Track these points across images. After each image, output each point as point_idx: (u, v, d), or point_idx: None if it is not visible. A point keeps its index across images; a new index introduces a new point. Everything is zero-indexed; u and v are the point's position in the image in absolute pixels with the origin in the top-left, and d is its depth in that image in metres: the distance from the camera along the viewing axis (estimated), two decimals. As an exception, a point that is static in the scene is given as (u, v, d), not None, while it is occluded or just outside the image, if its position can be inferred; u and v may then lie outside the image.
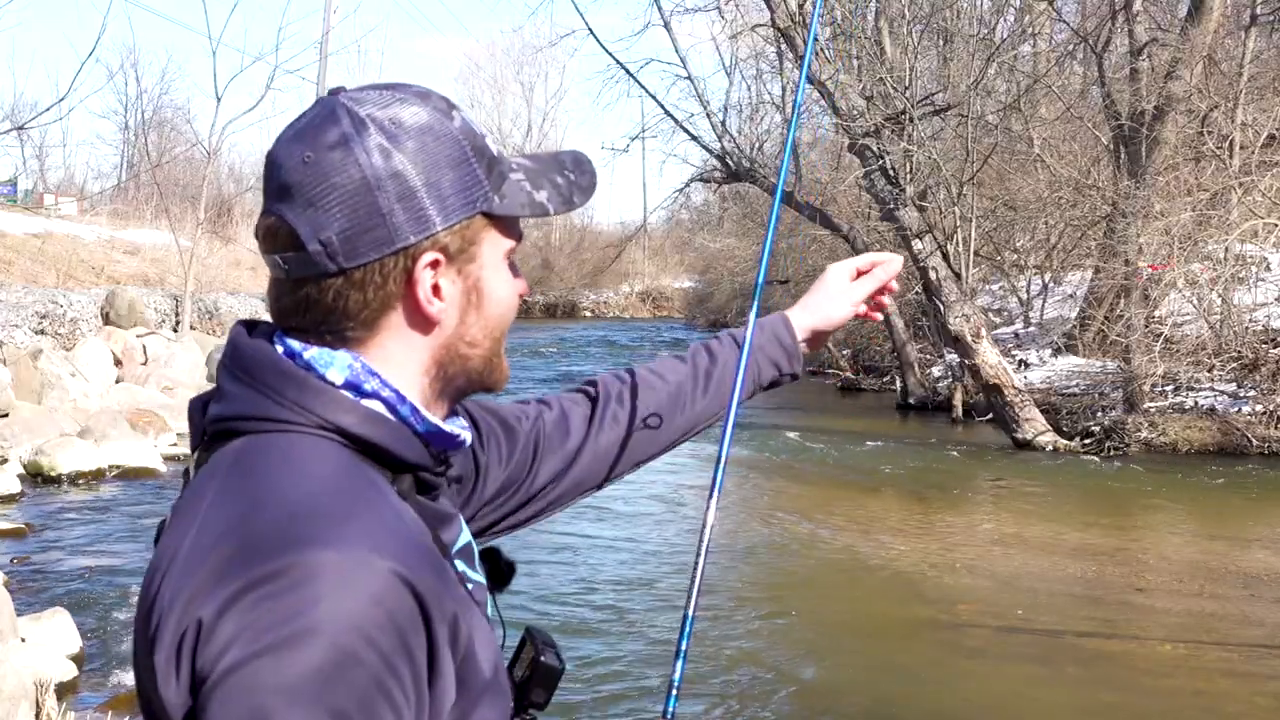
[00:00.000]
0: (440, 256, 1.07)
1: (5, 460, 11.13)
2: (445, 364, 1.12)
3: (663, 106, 19.48)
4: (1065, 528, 10.69)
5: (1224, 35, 18.38)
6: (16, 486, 10.54)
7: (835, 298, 1.68)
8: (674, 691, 1.38)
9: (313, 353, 1.06)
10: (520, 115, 63.17)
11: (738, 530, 10.12)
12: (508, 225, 1.14)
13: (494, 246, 1.12)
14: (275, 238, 1.04)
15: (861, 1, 18.19)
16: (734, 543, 9.69)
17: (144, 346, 16.44)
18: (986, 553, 9.66)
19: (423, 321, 1.09)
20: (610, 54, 21.87)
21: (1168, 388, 15.72)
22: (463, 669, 1.02)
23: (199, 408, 1.10)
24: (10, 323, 13.98)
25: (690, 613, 1.43)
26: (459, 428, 1.15)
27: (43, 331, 14.63)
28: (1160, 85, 17.13)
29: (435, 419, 1.11)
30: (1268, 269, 17.49)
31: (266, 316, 1.13)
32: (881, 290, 1.69)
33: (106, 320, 16.62)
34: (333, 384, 1.05)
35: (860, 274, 1.69)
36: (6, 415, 11.98)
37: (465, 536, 1.14)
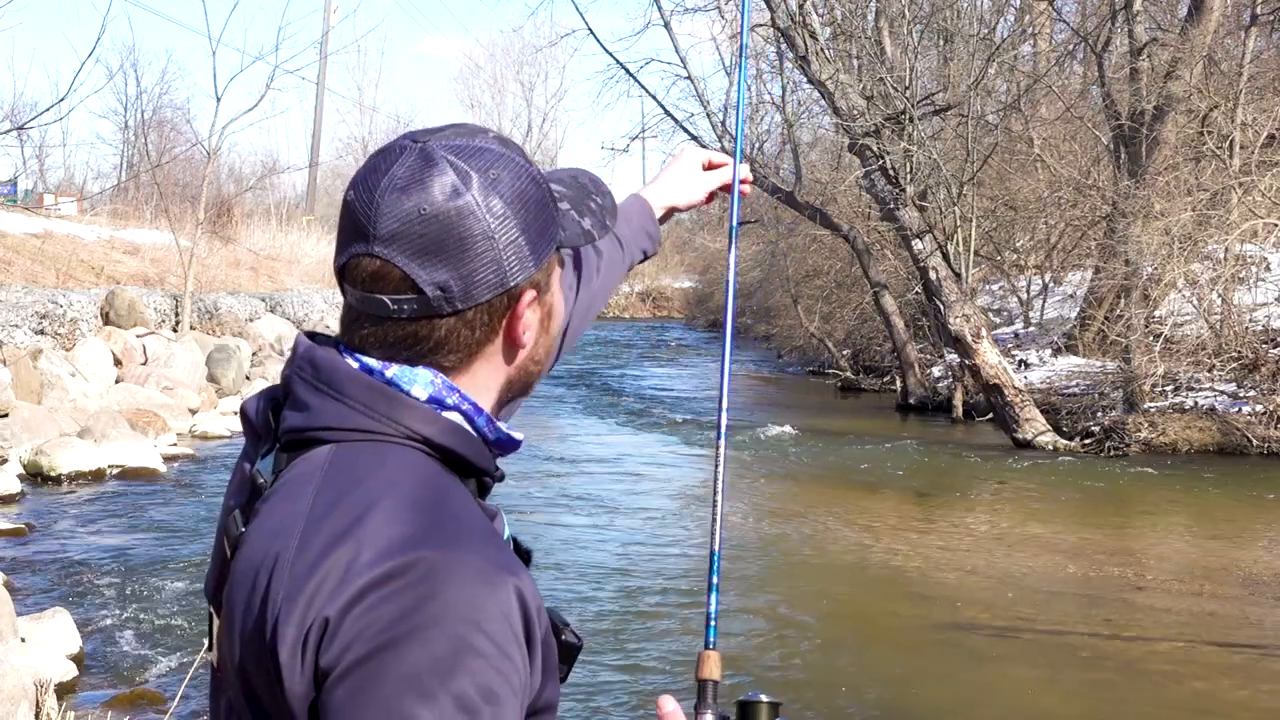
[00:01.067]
0: (535, 292, 1.18)
1: (5, 460, 11.13)
2: (515, 381, 1.23)
3: (663, 106, 19.49)
4: (1065, 528, 10.70)
5: (1224, 35, 18.40)
6: (16, 486, 10.55)
7: (693, 183, 1.86)
8: (712, 623, 1.53)
9: (394, 370, 1.14)
10: (520, 115, 63.19)
11: (736, 529, 10.12)
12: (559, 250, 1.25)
13: (556, 273, 1.24)
14: (385, 281, 1.12)
15: (861, 1, 18.19)
16: (733, 542, 9.69)
17: (144, 346, 16.45)
18: (986, 552, 9.66)
19: (511, 349, 1.19)
20: (610, 54, 21.83)
21: (1168, 388, 15.73)
22: (545, 655, 1.10)
23: (264, 410, 1.19)
24: (10, 323, 13.98)
25: (716, 549, 1.59)
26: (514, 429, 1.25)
27: (43, 331, 14.64)
28: (1160, 85, 17.14)
29: (504, 426, 1.21)
30: (1268, 269, 17.50)
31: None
32: (724, 187, 1.86)
33: (106, 320, 16.62)
34: (418, 399, 1.14)
35: (711, 167, 1.87)
36: (6, 415, 11.98)
37: (508, 531, 1.22)
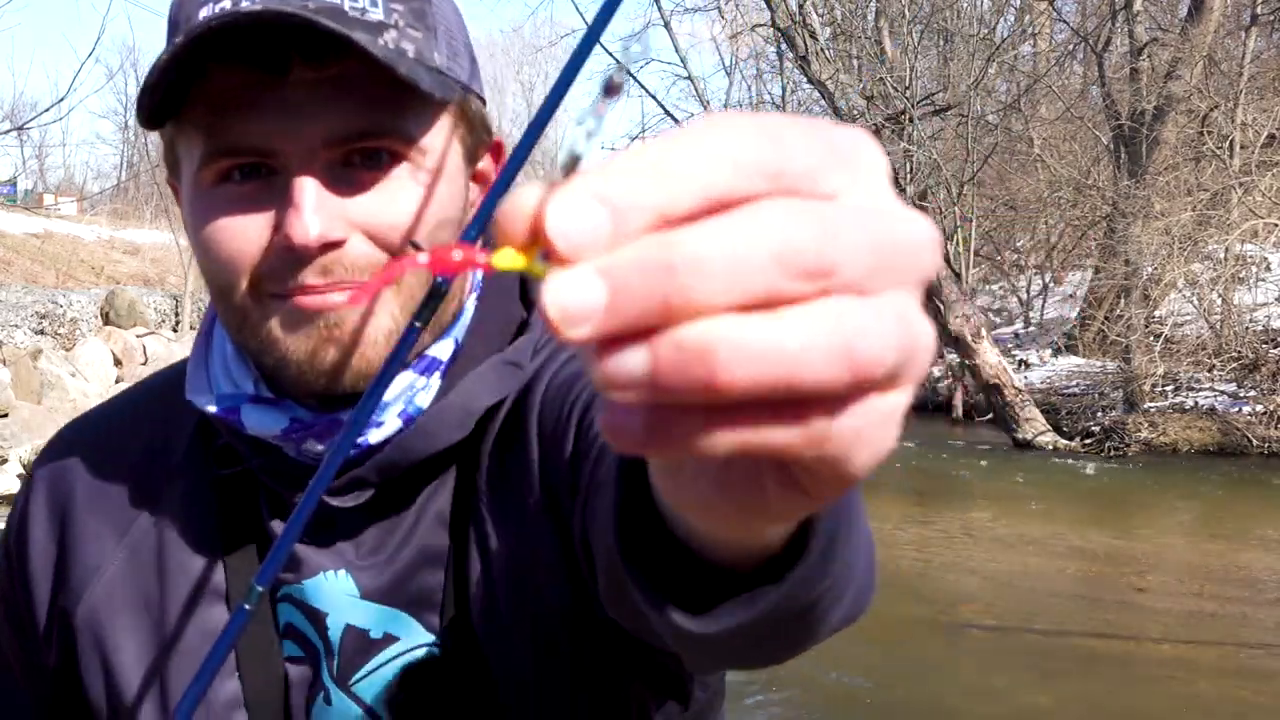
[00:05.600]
0: (165, 145, 0.89)
1: (5, 460, 11.13)
2: (214, 294, 0.88)
3: (663, 106, 19.48)
4: (1065, 528, 10.69)
5: (1224, 35, 18.40)
6: (16, 486, 10.55)
7: None
8: None
9: None
10: (520, 115, 63.17)
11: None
12: (198, 123, 0.82)
13: (187, 152, 0.86)
14: None
15: (861, 1, 18.19)
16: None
17: (144, 346, 16.45)
18: (986, 553, 9.65)
19: None
20: (610, 54, 21.87)
21: (1168, 388, 15.73)
22: (96, 664, 0.92)
23: None
24: (10, 323, 13.99)
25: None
26: (259, 414, 0.86)
27: (42, 331, 14.64)
28: (1160, 85, 17.15)
29: (209, 372, 0.91)
30: (1268, 269, 17.50)
31: None
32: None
33: (106, 320, 16.62)
34: None
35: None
36: (6, 415, 11.98)
37: (327, 588, 0.88)
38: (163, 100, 0.79)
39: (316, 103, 0.80)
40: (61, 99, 8.20)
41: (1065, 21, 21.87)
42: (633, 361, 0.33)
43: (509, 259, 0.35)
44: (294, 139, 0.80)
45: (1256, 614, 7.92)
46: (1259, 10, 17.96)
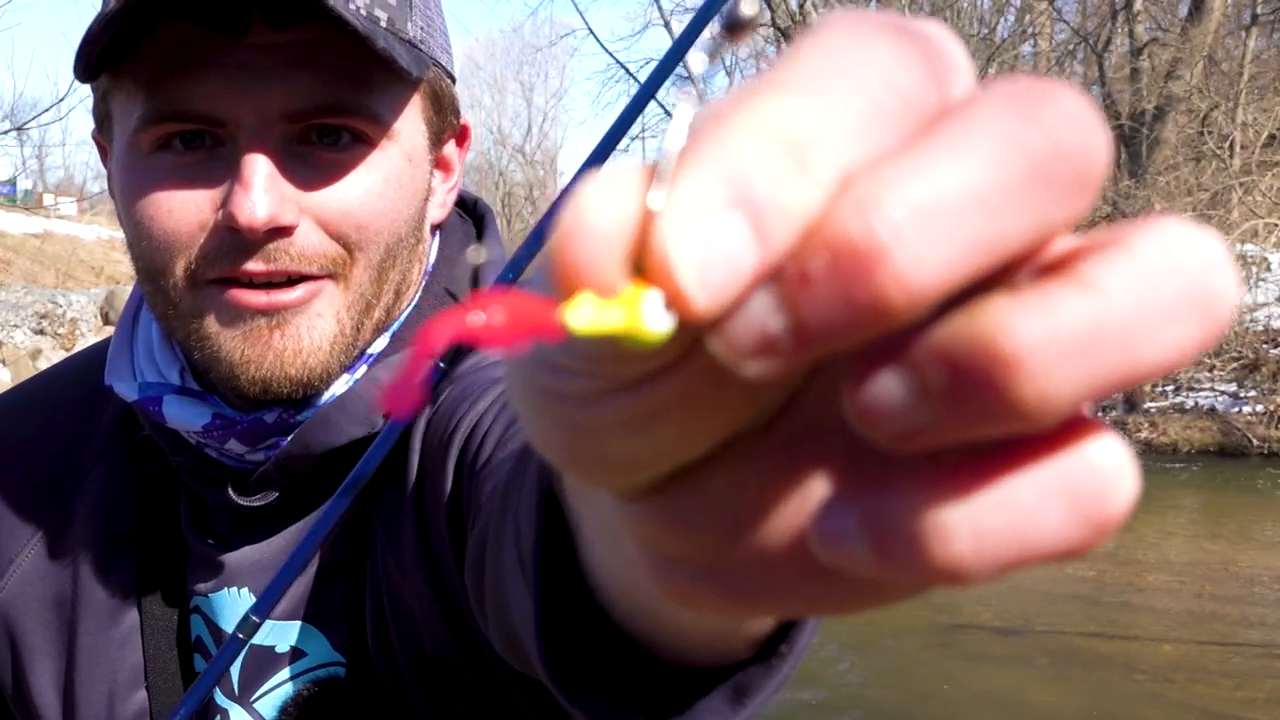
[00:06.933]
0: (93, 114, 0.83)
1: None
2: (139, 271, 0.80)
3: (663, 106, 19.48)
4: (1065, 528, 10.69)
5: (1224, 35, 18.41)
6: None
7: None
8: None
9: None
10: (520, 115, 63.12)
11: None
12: (140, 79, 0.76)
13: (124, 110, 0.78)
14: None
15: (862, 1, 18.18)
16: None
17: (144, 346, 16.46)
18: (987, 553, 9.65)
19: None
20: (610, 54, 21.90)
21: (1168, 388, 15.73)
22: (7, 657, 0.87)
23: None
24: (9, 323, 13.98)
25: None
26: (184, 407, 0.80)
27: (42, 331, 14.63)
28: (1160, 85, 17.15)
29: (133, 357, 0.84)
30: (1268, 269, 17.50)
31: None
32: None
33: (106, 320, 16.61)
34: None
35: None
36: (6, 415, 11.99)
37: (229, 605, 0.83)
38: (105, 53, 0.73)
39: (277, 69, 0.73)
40: (61, 99, 8.23)
41: (1065, 21, 21.87)
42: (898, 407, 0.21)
43: (592, 316, 0.21)
44: (248, 107, 0.73)
45: (1256, 614, 7.91)
46: (1259, 10, 17.97)
